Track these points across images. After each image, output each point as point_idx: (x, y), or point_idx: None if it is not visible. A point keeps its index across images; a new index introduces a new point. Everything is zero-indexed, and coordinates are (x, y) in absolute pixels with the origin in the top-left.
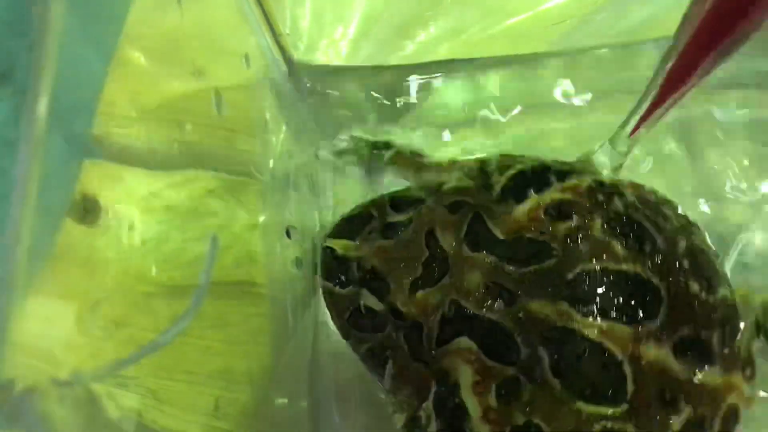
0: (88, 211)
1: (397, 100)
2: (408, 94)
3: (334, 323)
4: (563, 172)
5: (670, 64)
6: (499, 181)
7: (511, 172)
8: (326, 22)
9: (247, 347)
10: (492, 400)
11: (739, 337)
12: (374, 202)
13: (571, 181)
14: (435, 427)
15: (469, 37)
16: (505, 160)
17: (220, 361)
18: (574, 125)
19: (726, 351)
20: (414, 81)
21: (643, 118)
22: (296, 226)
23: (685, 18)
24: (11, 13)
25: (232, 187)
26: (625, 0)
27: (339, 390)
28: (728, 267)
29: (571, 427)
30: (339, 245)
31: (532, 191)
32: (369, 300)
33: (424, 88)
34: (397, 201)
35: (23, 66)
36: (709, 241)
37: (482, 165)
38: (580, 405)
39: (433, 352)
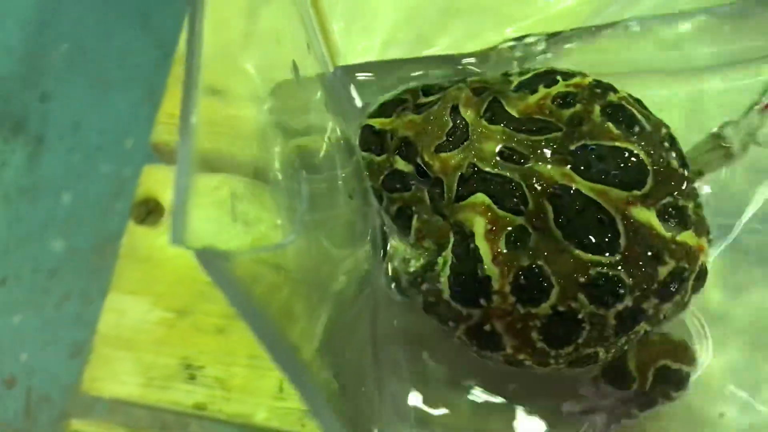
0: (150, 212)
1: None
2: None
3: (372, 189)
4: (568, 74)
5: None
6: (517, 79)
7: (526, 75)
8: (354, 32)
9: (306, 327)
10: (502, 245)
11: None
12: (408, 90)
13: (575, 79)
14: (449, 271)
15: (485, 40)
16: (523, 71)
17: None
18: None
19: (696, 218)
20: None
21: None
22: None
23: None
24: (24, 65)
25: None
26: None
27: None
28: None
29: (570, 270)
30: (376, 122)
31: (542, 85)
32: (400, 164)
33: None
34: (427, 88)
35: (36, 116)
36: None
37: (504, 73)
38: (579, 253)
39: (452, 205)
